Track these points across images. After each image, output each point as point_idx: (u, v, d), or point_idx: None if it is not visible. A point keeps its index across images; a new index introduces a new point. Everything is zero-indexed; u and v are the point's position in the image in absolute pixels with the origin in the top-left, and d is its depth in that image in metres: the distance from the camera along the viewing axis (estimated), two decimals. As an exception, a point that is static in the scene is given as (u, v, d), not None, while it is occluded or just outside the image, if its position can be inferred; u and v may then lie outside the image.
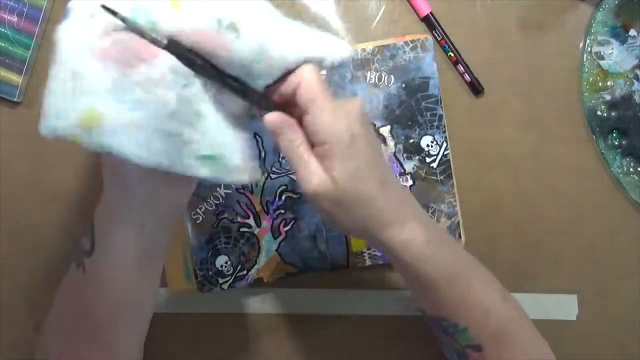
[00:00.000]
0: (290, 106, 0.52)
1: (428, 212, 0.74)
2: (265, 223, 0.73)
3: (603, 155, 0.75)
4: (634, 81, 0.74)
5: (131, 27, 0.47)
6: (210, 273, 0.73)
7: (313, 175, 0.51)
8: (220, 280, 0.73)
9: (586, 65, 0.74)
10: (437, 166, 0.74)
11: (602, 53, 0.74)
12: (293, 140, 0.51)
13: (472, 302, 0.57)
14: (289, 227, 0.73)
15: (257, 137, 0.72)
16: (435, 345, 0.76)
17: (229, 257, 0.73)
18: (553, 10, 0.75)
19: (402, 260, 0.54)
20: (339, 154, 0.50)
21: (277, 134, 0.51)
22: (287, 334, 0.76)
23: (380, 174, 0.52)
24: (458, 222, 0.74)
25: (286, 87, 0.51)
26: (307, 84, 0.50)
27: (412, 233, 0.54)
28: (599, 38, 0.74)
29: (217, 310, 0.76)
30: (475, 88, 0.74)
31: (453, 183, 0.73)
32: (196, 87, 0.49)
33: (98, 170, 0.55)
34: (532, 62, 0.75)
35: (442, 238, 0.58)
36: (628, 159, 0.75)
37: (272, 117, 0.51)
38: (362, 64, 0.73)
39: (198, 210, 0.72)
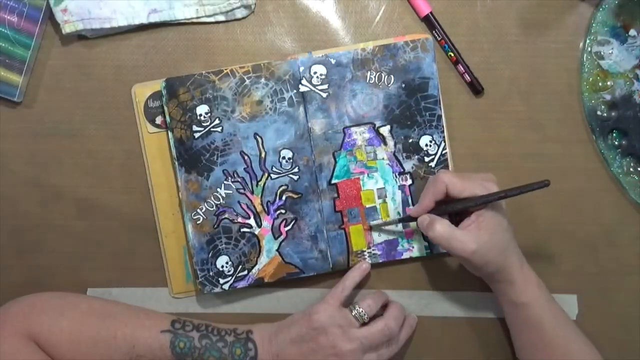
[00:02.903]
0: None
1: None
2: (266, 223, 0.73)
3: (603, 155, 0.75)
4: (634, 81, 0.74)
5: None
6: (211, 273, 0.73)
7: (468, 242, 0.65)
8: (221, 281, 0.73)
9: (586, 65, 0.74)
10: (436, 165, 0.74)
11: (602, 53, 0.74)
12: (443, 227, 0.66)
13: (570, 355, 0.67)
14: (289, 227, 0.73)
15: (257, 137, 0.73)
16: (432, 343, 0.76)
17: (229, 257, 0.73)
18: (553, 10, 0.75)
19: (513, 302, 0.68)
20: (484, 229, 0.66)
21: (431, 226, 0.67)
22: (287, 334, 0.76)
23: (501, 245, 0.67)
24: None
25: (438, 194, 0.68)
26: (453, 185, 0.67)
27: (522, 281, 0.68)
28: (599, 38, 0.74)
29: (217, 311, 0.76)
30: (475, 88, 0.74)
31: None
32: None
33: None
34: (532, 62, 0.75)
35: (548, 292, 0.69)
36: (628, 159, 0.75)
37: (424, 218, 0.68)
38: (362, 63, 0.73)
39: (198, 210, 0.72)
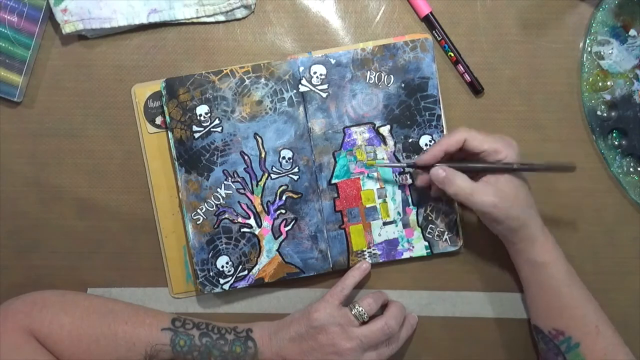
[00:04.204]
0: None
1: (426, 210, 0.74)
2: (266, 223, 0.73)
3: (603, 155, 0.75)
4: (634, 81, 0.74)
5: None
6: (211, 274, 0.73)
7: (490, 195, 0.64)
8: (221, 281, 0.73)
9: (586, 65, 0.74)
10: (436, 165, 0.74)
11: (602, 53, 0.74)
12: (463, 180, 0.65)
13: (586, 316, 0.67)
14: (289, 227, 0.73)
15: (257, 137, 0.73)
16: (432, 343, 0.76)
17: (229, 257, 0.73)
18: (553, 10, 0.75)
19: (533, 261, 0.68)
20: (502, 184, 0.66)
21: (450, 181, 0.66)
22: (287, 334, 0.76)
23: (524, 201, 0.67)
24: (456, 220, 0.74)
25: (452, 145, 0.66)
26: (472, 137, 0.66)
27: (543, 240, 0.68)
28: (599, 38, 0.74)
29: (218, 311, 0.76)
30: (475, 88, 0.74)
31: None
32: None
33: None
34: (532, 62, 0.75)
35: (562, 253, 0.69)
36: (628, 159, 0.75)
37: (439, 171, 0.67)
38: (362, 63, 0.73)
39: (199, 211, 0.72)
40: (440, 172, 0.67)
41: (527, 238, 0.67)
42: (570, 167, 0.63)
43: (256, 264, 0.73)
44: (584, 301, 0.68)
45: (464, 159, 0.68)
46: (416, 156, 0.73)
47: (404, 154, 0.74)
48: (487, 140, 0.66)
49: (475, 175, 0.68)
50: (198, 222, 0.72)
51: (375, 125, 0.74)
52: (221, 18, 0.74)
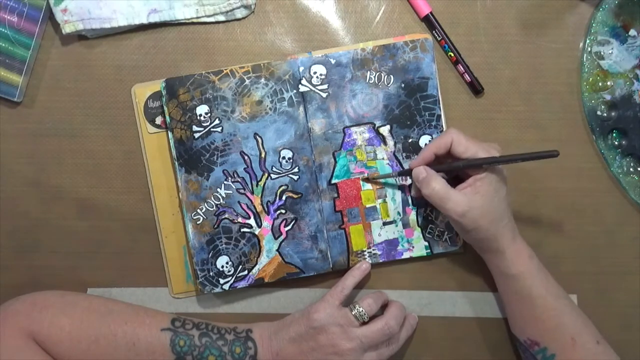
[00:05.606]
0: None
1: (426, 210, 0.74)
2: (266, 223, 0.73)
3: (603, 155, 0.75)
4: (634, 81, 0.74)
5: None
6: (211, 274, 0.73)
7: (461, 204, 0.65)
8: (221, 281, 0.73)
9: (586, 65, 0.74)
10: (436, 165, 0.74)
11: (602, 53, 0.74)
12: (439, 183, 0.66)
13: (561, 327, 0.67)
14: (289, 227, 0.73)
15: (257, 137, 0.73)
16: (432, 343, 0.76)
17: (229, 257, 0.73)
18: (553, 10, 0.75)
19: (504, 273, 0.68)
20: (479, 194, 0.65)
21: (427, 182, 0.67)
22: (287, 334, 0.76)
23: (495, 214, 0.66)
24: (457, 220, 0.74)
25: (441, 147, 0.67)
26: (458, 141, 0.67)
27: (513, 253, 0.67)
28: (599, 38, 0.74)
29: (218, 311, 0.76)
30: (475, 88, 0.74)
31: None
32: None
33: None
34: (532, 62, 0.75)
35: (540, 264, 0.69)
36: (628, 159, 0.75)
37: (420, 171, 0.68)
38: (361, 63, 0.73)
39: (198, 211, 0.72)
40: (421, 171, 0.68)
41: (495, 250, 0.68)
42: (553, 152, 0.62)
43: (256, 264, 0.73)
44: (560, 312, 0.67)
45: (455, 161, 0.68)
46: (415, 156, 0.73)
47: (404, 154, 0.74)
48: (470, 148, 0.66)
49: (464, 175, 0.68)
50: (198, 222, 0.72)
51: (375, 125, 0.74)
52: (221, 18, 0.74)
